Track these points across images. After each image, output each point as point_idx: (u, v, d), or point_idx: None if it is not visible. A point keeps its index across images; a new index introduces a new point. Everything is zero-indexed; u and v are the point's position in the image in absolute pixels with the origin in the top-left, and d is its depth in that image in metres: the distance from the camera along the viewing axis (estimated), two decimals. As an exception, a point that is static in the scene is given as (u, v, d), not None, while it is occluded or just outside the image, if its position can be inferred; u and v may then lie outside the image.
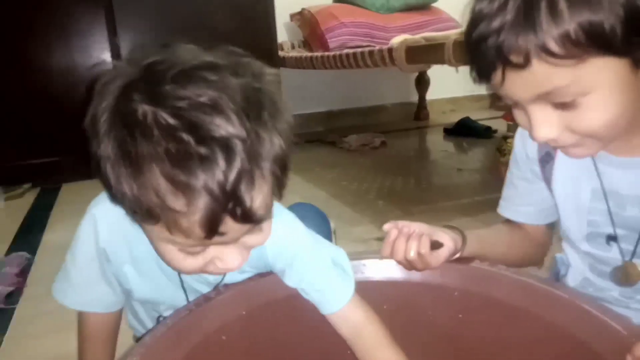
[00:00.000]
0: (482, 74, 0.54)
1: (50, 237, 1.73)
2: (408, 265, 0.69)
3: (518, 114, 0.57)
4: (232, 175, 0.44)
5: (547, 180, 0.70)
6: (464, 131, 2.85)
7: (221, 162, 0.43)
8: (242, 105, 0.45)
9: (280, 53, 2.79)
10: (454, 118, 3.01)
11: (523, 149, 0.73)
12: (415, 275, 0.72)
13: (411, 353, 0.73)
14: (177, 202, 0.44)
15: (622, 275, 0.65)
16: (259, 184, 0.46)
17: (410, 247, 0.66)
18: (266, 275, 0.70)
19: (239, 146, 0.44)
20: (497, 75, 0.52)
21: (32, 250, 1.58)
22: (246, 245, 0.54)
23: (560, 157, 0.68)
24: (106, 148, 0.46)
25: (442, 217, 1.60)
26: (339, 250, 0.69)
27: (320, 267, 0.66)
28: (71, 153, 2.38)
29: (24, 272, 1.41)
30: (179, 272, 0.63)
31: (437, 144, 2.91)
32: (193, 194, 0.43)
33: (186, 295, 0.68)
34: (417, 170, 2.40)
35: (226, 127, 0.43)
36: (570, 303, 0.61)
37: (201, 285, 0.68)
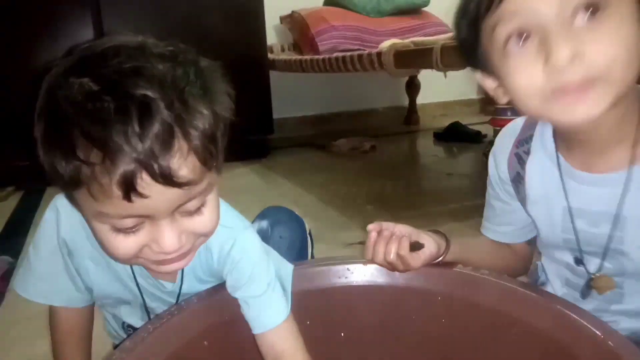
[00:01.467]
0: None
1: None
2: (389, 266, 0.68)
3: (521, 58, 0.51)
4: (149, 132, 0.44)
5: (522, 200, 0.70)
6: (454, 136, 2.85)
7: (137, 118, 0.43)
8: (169, 75, 0.46)
9: (270, 56, 2.79)
10: (445, 122, 3.02)
11: (495, 170, 0.72)
12: (399, 280, 0.72)
13: (396, 356, 0.73)
14: (95, 158, 0.44)
15: (597, 289, 0.64)
16: (183, 148, 0.46)
17: (390, 249, 0.66)
18: None
19: (158, 106, 0.44)
20: None
21: (15, 254, 1.56)
22: (185, 228, 0.52)
23: (529, 177, 0.67)
24: (39, 127, 0.48)
25: (431, 222, 1.59)
26: (287, 267, 0.68)
27: (258, 281, 0.62)
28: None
29: (6, 276, 1.38)
30: (123, 264, 0.60)
31: (427, 148, 2.91)
32: (109, 148, 0.43)
33: (142, 296, 0.65)
34: (407, 174, 2.39)
35: (147, 88, 0.44)
36: (550, 307, 0.61)
37: (155, 290, 0.65)
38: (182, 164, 0.46)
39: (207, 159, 0.48)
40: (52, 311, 0.69)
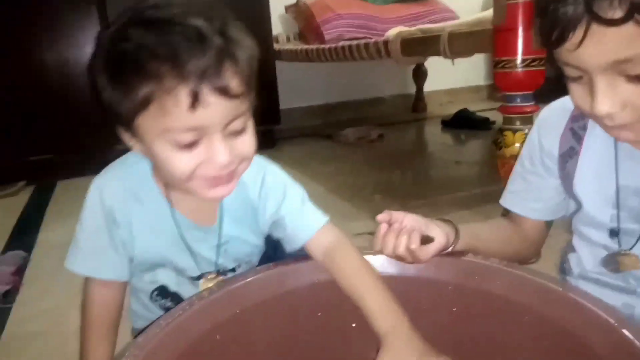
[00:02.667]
0: (558, 34, 0.50)
1: (45, 235, 1.73)
2: (397, 258, 0.68)
3: (576, 88, 0.55)
4: (208, 52, 0.53)
5: (567, 176, 0.69)
6: (462, 123, 2.84)
7: (197, 41, 0.53)
8: (213, 14, 0.56)
9: (276, 46, 2.78)
10: (452, 110, 3.00)
11: (539, 142, 0.72)
12: (409, 270, 0.72)
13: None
14: (165, 74, 0.52)
15: (618, 263, 0.65)
16: (232, 68, 0.55)
17: (400, 242, 0.65)
18: (259, 273, 0.70)
19: (210, 33, 0.54)
20: (576, 36, 0.49)
21: (28, 249, 1.57)
22: (233, 148, 0.59)
23: (585, 153, 0.67)
24: (103, 75, 0.56)
25: (439, 211, 1.59)
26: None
27: (295, 197, 0.73)
28: (66, 150, 2.40)
29: (20, 271, 1.40)
30: (179, 187, 0.64)
31: (435, 136, 2.90)
32: (178, 64, 0.52)
33: (189, 250, 0.71)
34: (415, 163, 2.39)
35: (199, 21, 0.54)
36: (562, 296, 0.61)
37: (201, 245, 0.72)
38: (233, 80, 0.55)
39: (249, 81, 0.57)
40: (87, 294, 0.72)
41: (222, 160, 0.58)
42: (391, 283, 0.72)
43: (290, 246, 0.74)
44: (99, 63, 0.57)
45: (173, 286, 0.75)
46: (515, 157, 0.99)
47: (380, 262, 0.74)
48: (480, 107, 3.06)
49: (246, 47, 0.57)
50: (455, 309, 0.70)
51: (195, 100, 0.53)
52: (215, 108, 0.55)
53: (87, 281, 0.72)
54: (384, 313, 0.64)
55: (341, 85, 3.30)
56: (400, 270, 0.72)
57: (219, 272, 0.75)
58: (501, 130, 1.15)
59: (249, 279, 0.69)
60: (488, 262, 0.69)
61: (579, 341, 0.58)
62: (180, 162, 0.58)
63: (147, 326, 0.60)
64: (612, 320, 0.55)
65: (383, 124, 2.97)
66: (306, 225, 0.72)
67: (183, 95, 0.53)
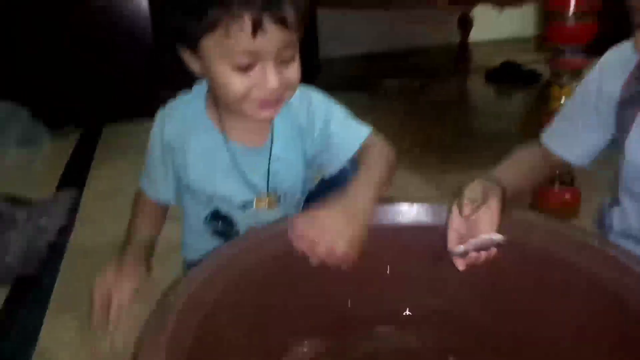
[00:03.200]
0: None
1: (95, 178, 1.81)
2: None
3: None
4: None
5: (623, 124, 0.68)
6: (507, 75, 2.74)
7: None
8: None
9: (318, -8, 2.72)
10: (497, 61, 2.89)
11: (597, 87, 0.70)
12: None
13: (439, 294, 0.75)
14: (233, 1, 0.59)
15: None
16: (291, 1, 0.62)
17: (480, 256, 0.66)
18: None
19: None
20: None
21: (79, 190, 1.66)
22: (282, 75, 0.66)
23: None
24: (175, 8, 0.64)
25: (478, 166, 1.58)
26: None
27: (339, 112, 0.81)
28: (112, 95, 2.46)
29: (73, 211, 1.49)
30: (232, 107, 0.70)
31: (478, 89, 2.82)
32: None
33: (241, 176, 0.78)
34: (456, 116, 2.35)
35: None
36: (599, 251, 0.62)
37: (252, 171, 0.78)
38: (291, 12, 0.62)
39: (303, 15, 0.64)
40: (138, 203, 0.85)
41: (273, 85, 0.65)
42: (428, 233, 0.75)
43: (336, 162, 0.80)
44: None
45: (225, 211, 0.81)
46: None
47: (416, 212, 0.75)
48: (527, 59, 2.94)
49: None
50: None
51: (257, 27, 0.60)
52: (272, 36, 0.62)
53: (139, 194, 0.84)
54: (355, 183, 0.71)
55: (383, 34, 3.22)
56: (438, 221, 0.74)
57: (270, 197, 0.80)
58: (548, 85, 1.13)
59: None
60: (526, 216, 0.70)
61: (613, 296, 0.59)
62: (236, 83, 0.65)
63: (199, 260, 0.64)
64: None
65: (425, 75, 2.90)
66: (353, 137, 0.79)
67: (247, 21, 0.60)
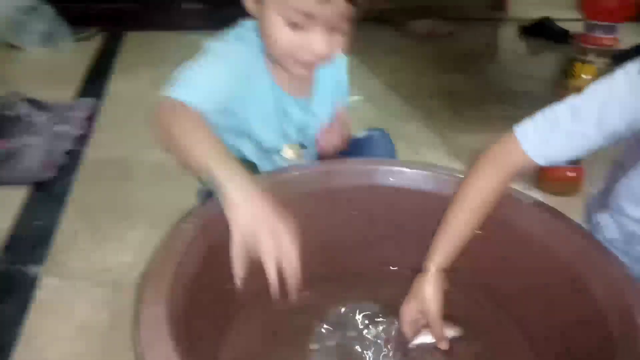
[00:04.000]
0: None
1: (115, 85, 1.83)
2: None
3: None
4: None
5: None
6: (542, 32, 2.64)
7: None
8: None
9: None
10: (536, 14, 2.77)
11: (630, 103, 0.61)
12: (445, 189, 0.76)
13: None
14: None
15: None
16: None
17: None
18: (309, 168, 0.79)
19: None
20: None
21: (99, 97, 1.69)
22: (330, 41, 0.68)
23: None
24: None
25: (491, 126, 1.57)
26: None
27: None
28: (136, 1, 2.43)
29: (92, 118, 1.52)
30: (278, 56, 0.72)
31: (510, 42, 2.73)
32: None
33: (279, 121, 0.80)
34: (482, 69, 2.29)
35: None
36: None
37: (291, 119, 0.81)
38: None
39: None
40: (180, 110, 0.64)
41: (319, 51, 0.68)
42: (424, 198, 0.78)
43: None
44: None
45: (253, 158, 0.83)
46: (578, 90, 0.95)
47: (414, 177, 0.80)
48: (566, 16, 2.81)
49: None
50: (480, 232, 0.75)
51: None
52: (335, 6, 0.64)
53: (178, 109, 0.64)
54: None
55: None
56: (436, 188, 0.78)
57: (298, 147, 0.84)
58: (574, 60, 1.10)
59: (301, 172, 0.78)
60: (523, 198, 0.74)
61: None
62: (284, 39, 0.67)
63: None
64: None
65: (456, 19, 2.80)
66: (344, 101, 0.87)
67: None
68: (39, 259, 0.96)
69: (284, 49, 0.69)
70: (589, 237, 0.68)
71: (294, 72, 0.73)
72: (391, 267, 0.86)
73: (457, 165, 0.90)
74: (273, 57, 0.74)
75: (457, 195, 0.69)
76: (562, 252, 0.68)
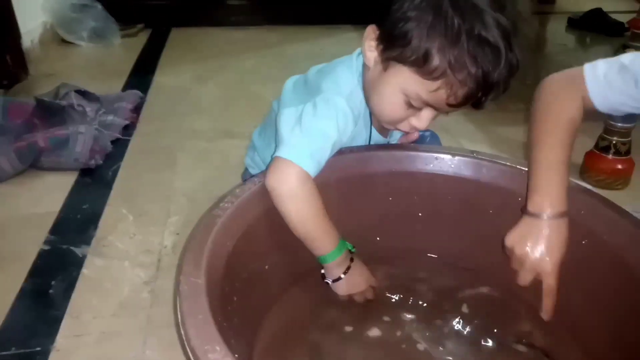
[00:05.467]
0: None
1: (160, 79, 1.89)
2: None
3: None
4: (503, 72, 0.59)
5: None
6: (591, 24, 2.55)
7: (503, 59, 0.58)
8: (509, 25, 0.60)
9: None
10: (585, 6, 2.68)
11: None
12: (484, 176, 0.75)
13: (465, 241, 0.79)
14: (467, 79, 0.59)
15: None
16: (497, 94, 0.62)
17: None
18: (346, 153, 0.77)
19: (506, 54, 0.59)
20: None
21: (144, 90, 1.74)
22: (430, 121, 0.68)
23: None
24: (421, 14, 0.59)
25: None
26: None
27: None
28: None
29: (137, 109, 1.57)
30: (383, 123, 0.73)
31: (558, 34, 2.65)
32: (478, 73, 0.58)
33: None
34: (529, 63, 2.21)
35: (501, 38, 0.58)
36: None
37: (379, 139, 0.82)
38: (487, 104, 0.63)
39: None
40: (303, 190, 0.65)
41: (422, 127, 0.68)
42: (464, 184, 0.77)
43: None
44: (425, 5, 0.59)
45: None
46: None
47: (456, 164, 0.78)
48: (617, 8, 2.70)
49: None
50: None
51: (459, 101, 0.61)
52: (457, 106, 0.62)
53: (290, 169, 0.64)
54: None
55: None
56: (475, 175, 0.77)
57: None
58: (625, 47, 1.06)
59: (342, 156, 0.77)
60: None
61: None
62: (398, 113, 0.67)
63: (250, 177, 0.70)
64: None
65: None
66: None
67: (460, 96, 0.60)
68: (86, 240, 1.00)
69: (391, 119, 0.69)
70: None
71: (381, 129, 0.77)
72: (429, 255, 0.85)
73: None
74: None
75: (541, 121, 0.66)
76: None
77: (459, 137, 1.43)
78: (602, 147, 1.18)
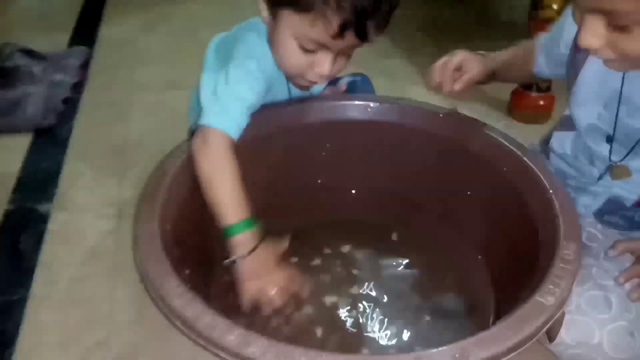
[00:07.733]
0: None
1: (106, 30, 1.85)
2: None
3: (575, 12, 0.58)
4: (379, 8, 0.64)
5: (575, 65, 0.73)
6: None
7: None
8: None
9: None
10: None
11: (563, 28, 0.75)
12: (407, 121, 0.85)
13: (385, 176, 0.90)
14: (331, 3, 0.62)
15: (612, 174, 0.73)
16: (379, 23, 0.66)
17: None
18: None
19: None
20: None
21: (91, 43, 1.72)
22: (336, 63, 0.71)
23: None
24: None
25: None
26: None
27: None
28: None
29: (85, 65, 1.57)
30: (288, 75, 0.77)
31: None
32: (344, 3, 0.61)
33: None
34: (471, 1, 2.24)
35: None
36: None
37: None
38: (374, 34, 0.66)
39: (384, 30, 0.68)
40: (213, 148, 0.68)
41: (325, 72, 0.70)
42: (390, 131, 0.86)
43: None
44: None
45: None
46: (548, 21, 1.01)
47: (378, 109, 0.87)
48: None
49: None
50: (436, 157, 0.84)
51: (341, 34, 0.64)
52: (348, 43, 0.66)
53: (210, 135, 0.68)
54: None
55: None
56: (396, 119, 0.87)
57: None
58: (542, -9, 1.14)
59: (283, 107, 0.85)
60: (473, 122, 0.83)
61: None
62: (294, 59, 0.70)
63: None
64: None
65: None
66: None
67: (334, 25, 0.63)
68: (48, 197, 1.06)
69: (293, 68, 0.73)
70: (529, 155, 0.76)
71: (297, 86, 0.79)
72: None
73: (438, 100, 0.95)
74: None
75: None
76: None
77: (401, 82, 1.49)
78: (525, 85, 1.29)
